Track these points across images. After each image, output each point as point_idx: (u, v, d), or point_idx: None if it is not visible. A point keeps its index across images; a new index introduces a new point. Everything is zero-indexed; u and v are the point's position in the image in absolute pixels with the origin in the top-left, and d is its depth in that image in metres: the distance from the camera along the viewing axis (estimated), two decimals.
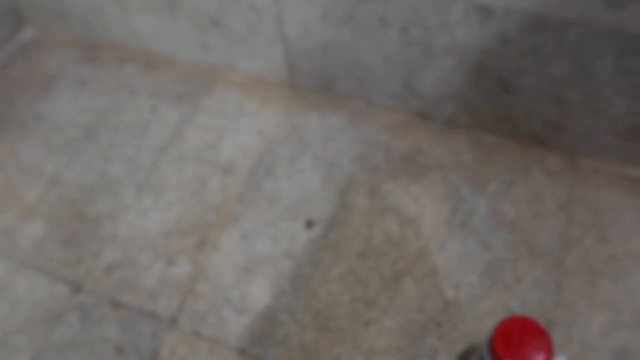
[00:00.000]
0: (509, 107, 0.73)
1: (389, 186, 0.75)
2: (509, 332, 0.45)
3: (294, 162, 0.78)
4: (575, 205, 0.71)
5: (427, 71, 0.73)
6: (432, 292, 0.65)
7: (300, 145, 0.80)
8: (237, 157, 0.80)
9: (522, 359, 0.44)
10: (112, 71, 0.94)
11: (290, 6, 0.74)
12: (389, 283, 0.66)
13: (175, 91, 0.90)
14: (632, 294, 0.64)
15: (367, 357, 0.62)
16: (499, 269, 0.67)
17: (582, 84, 0.66)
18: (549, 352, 0.44)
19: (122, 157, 0.82)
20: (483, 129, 0.77)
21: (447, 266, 0.67)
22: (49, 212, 0.77)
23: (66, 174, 0.81)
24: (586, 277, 0.65)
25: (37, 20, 1.00)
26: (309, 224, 0.72)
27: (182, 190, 0.78)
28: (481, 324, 0.63)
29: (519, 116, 0.73)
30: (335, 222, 0.72)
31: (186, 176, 0.79)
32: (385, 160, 0.77)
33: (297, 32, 0.77)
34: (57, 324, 0.68)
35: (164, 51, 0.94)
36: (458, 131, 0.79)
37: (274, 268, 0.69)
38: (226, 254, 0.71)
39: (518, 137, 0.76)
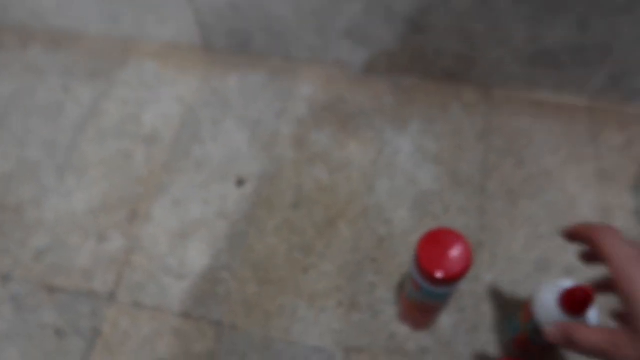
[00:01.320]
0: (422, 47, 0.75)
1: (315, 136, 0.75)
2: (431, 244, 0.46)
3: (217, 124, 0.78)
4: (492, 134, 0.74)
5: (338, 18, 0.73)
6: (365, 232, 0.67)
7: (222, 108, 0.79)
8: (159, 127, 0.79)
9: (446, 267, 0.46)
10: (16, 54, 0.89)
11: None
12: (324, 229, 0.68)
13: (88, 67, 0.86)
14: (547, 207, 0.68)
15: (310, 302, 0.63)
16: (426, 202, 0.69)
17: (484, 15, 0.68)
18: (469, 256, 0.46)
19: (39, 140, 0.79)
20: (400, 70, 0.79)
21: (378, 205, 0.69)
22: None
23: None
24: (506, 199, 0.69)
25: None
26: (240, 183, 0.72)
27: (106, 167, 0.76)
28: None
29: (431, 54, 0.75)
30: (265, 178, 0.72)
31: (109, 152, 0.77)
32: (308, 112, 0.78)
33: None
34: None
35: (70, 27, 0.89)
36: (377, 76, 0.80)
37: (209, 230, 0.69)
38: (159, 223, 0.70)
39: (434, 75, 0.78)
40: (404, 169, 0.72)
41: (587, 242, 0.40)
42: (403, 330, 0.61)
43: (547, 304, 0.49)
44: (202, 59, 0.85)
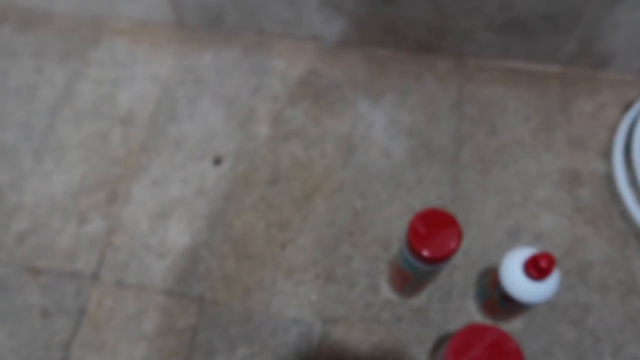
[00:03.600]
0: (394, 18, 0.74)
1: (290, 112, 0.76)
2: (421, 225, 0.48)
3: (193, 102, 0.78)
4: (466, 104, 0.75)
5: None
6: (341, 205, 0.69)
7: (197, 85, 0.79)
8: (135, 106, 0.79)
9: (437, 248, 0.47)
10: None
11: None
12: (300, 204, 0.69)
13: (60, 47, 0.85)
14: (519, 176, 0.70)
15: (287, 275, 0.65)
16: (401, 174, 0.71)
17: None
18: (459, 236, 0.47)
19: (14, 124, 0.79)
20: (373, 43, 0.79)
21: (353, 179, 0.70)
22: None
23: None
24: (479, 168, 0.70)
25: None
26: (217, 161, 0.73)
27: (83, 148, 0.76)
28: (389, 226, 0.67)
29: (404, 26, 0.75)
30: (242, 155, 0.73)
31: (85, 133, 0.77)
32: (283, 88, 0.78)
33: None
34: None
35: (40, 7, 0.88)
36: (350, 49, 0.80)
37: (188, 209, 0.70)
38: (139, 203, 0.71)
39: (407, 46, 0.78)
40: (378, 142, 0.73)
41: None
42: (379, 300, 0.63)
43: (512, 271, 0.51)
44: (175, 36, 0.84)
